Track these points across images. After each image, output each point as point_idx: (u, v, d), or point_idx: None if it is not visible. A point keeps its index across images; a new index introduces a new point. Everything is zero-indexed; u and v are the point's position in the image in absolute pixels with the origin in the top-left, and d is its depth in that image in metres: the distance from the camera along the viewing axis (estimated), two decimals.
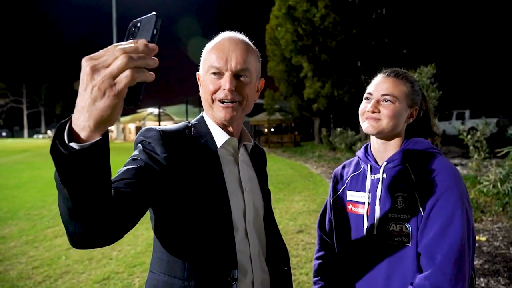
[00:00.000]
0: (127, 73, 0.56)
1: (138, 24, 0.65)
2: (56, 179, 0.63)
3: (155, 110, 35.37)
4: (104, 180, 0.66)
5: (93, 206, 0.66)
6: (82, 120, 0.58)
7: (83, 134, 0.59)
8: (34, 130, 76.53)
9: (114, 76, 0.56)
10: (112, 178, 0.82)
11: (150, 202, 0.90)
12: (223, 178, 1.03)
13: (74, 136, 0.60)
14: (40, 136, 64.04)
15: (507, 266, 3.53)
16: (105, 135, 0.62)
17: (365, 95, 1.27)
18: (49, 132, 48.74)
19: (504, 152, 5.55)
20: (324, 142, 19.43)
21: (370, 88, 1.26)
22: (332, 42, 18.11)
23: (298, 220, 5.60)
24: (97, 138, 0.60)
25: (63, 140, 0.59)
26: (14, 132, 79.25)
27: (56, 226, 5.52)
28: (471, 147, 8.03)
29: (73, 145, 0.59)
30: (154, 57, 0.60)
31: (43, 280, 3.56)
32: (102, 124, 0.58)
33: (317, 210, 6.11)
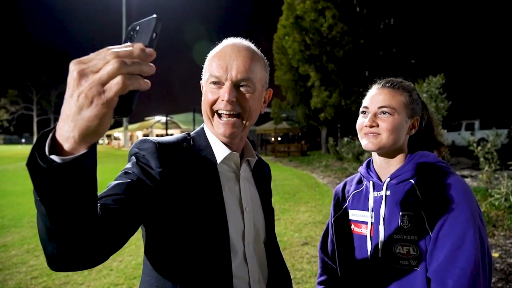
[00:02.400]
0: (118, 79, 0.49)
1: (137, 28, 0.59)
2: (34, 194, 0.56)
3: (163, 118, 35.56)
4: (87, 198, 0.58)
5: (74, 225, 0.59)
6: (66, 130, 0.51)
7: (66, 146, 0.52)
8: None
9: (104, 83, 0.49)
10: (100, 193, 0.75)
11: (141, 220, 0.82)
12: (222, 196, 0.95)
13: (57, 148, 0.53)
14: None
15: None
16: (92, 148, 0.55)
17: (361, 109, 1.19)
18: None
19: None
20: (331, 151, 19.26)
21: (365, 102, 1.18)
22: (340, 52, 18.10)
23: (303, 231, 5.47)
24: (82, 151, 0.53)
25: (43, 152, 0.52)
26: (24, 138, 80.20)
27: None
28: (481, 159, 7.86)
29: (54, 157, 0.52)
30: (151, 63, 0.53)
31: None
32: (89, 135, 0.51)
33: (323, 222, 5.97)
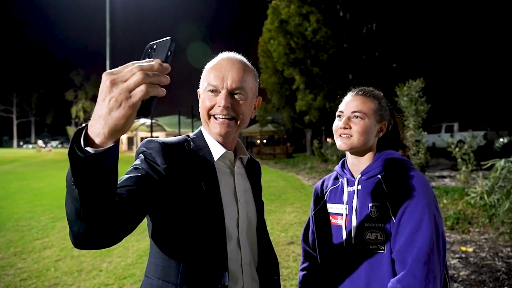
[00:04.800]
0: (142, 87, 0.62)
1: (154, 46, 0.72)
2: (68, 180, 0.68)
3: (147, 121, 35.27)
4: (111, 184, 0.71)
5: (99, 208, 0.71)
6: (98, 127, 0.64)
7: (97, 140, 0.64)
8: (24, 139, 75.65)
9: (131, 90, 0.62)
10: None
11: (149, 209, 0.95)
12: (219, 189, 1.08)
13: (88, 142, 0.65)
14: (30, 146, 63.27)
15: (493, 277, 3.59)
16: (117, 143, 0.67)
17: (337, 113, 1.36)
18: (39, 142, 48.02)
19: (489, 164, 5.67)
20: (316, 153, 19.57)
21: (341, 107, 1.35)
22: (324, 55, 18.44)
23: (289, 231, 5.62)
24: (110, 144, 0.66)
25: (79, 145, 0.65)
26: (4, 141, 78.19)
27: (45, 237, 5.46)
28: (459, 160, 8.20)
29: (89, 149, 0.64)
30: (166, 75, 0.66)
31: None
32: (116, 132, 0.64)
33: None
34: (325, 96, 19.03)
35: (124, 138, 44.94)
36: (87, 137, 0.66)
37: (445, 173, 11.15)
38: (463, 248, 4.41)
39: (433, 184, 9.10)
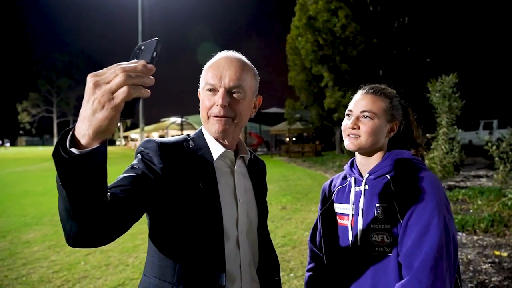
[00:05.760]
0: (124, 89, 0.63)
1: (142, 47, 0.72)
2: (56, 180, 0.70)
3: (178, 119, 36.03)
4: (99, 184, 0.71)
5: (88, 207, 0.72)
6: (83, 128, 0.65)
7: (83, 141, 0.66)
8: None
9: (113, 91, 0.63)
10: (110, 184, 0.89)
11: (144, 208, 0.95)
12: (217, 188, 1.07)
13: (75, 143, 0.67)
14: None
15: None
16: (103, 144, 0.68)
17: (346, 112, 1.31)
18: None
19: None
20: (345, 152, 19.18)
21: (350, 105, 1.30)
22: (353, 52, 18.03)
23: None
24: (95, 145, 0.66)
25: (65, 146, 0.66)
26: (45, 140, 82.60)
27: None
28: (496, 158, 7.76)
29: (74, 150, 0.66)
30: (151, 77, 0.67)
31: (61, 284, 3.70)
32: (100, 133, 0.65)
33: None
34: (354, 93, 18.61)
35: (156, 136, 46.08)
36: (74, 138, 0.67)
37: (481, 172, 10.61)
38: (497, 253, 4.17)
39: (467, 184, 8.68)
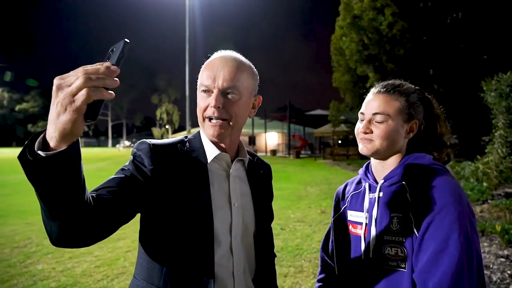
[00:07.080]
0: (83, 92, 0.62)
1: (114, 49, 0.72)
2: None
3: None
4: (72, 185, 0.71)
5: (62, 208, 0.72)
6: (50, 131, 0.66)
7: (51, 144, 0.66)
8: (116, 140, 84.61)
9: (74, 94, 0.63)
10: (98, 185, 0.90)
11: (133, 210, 0.95)
12: (209, 191, 1.03)
13: (47, 146, 0.67)
14: (120, 145, 70.70)
15: None
16: (73, 146, 0.68)
17: (359, 114, 1.21)
18: (126, 142, 53.80)
19: None
20: None
21: (362, 107, 1.19)
22: (400, 50, 17.25)
23: None
24: (63, 147, 0.66)
25: (32, 148, 0.67)
26: (100, 141, 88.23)
27: (121, 229, 5.95)
28: None
29: (41, 152, 0.66)
30: (115, 78, 0.66)
31: (101, 279, 3.89)
32: (66, 136, 0.65)
33: None
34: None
35: None
36: (45, 141, 0.67)
37: None
38: None
39: None
